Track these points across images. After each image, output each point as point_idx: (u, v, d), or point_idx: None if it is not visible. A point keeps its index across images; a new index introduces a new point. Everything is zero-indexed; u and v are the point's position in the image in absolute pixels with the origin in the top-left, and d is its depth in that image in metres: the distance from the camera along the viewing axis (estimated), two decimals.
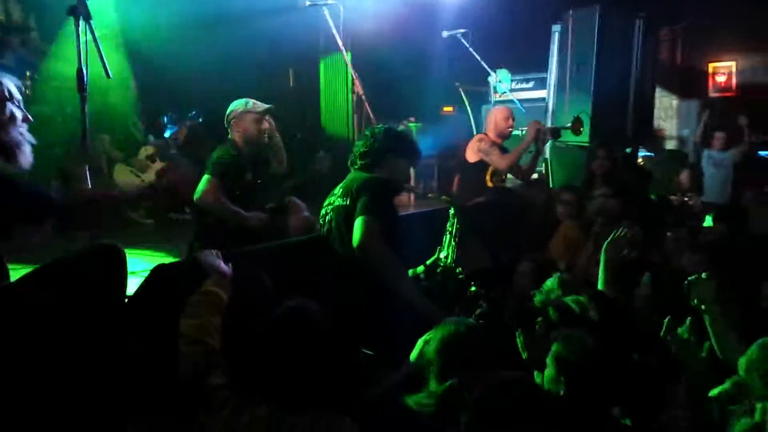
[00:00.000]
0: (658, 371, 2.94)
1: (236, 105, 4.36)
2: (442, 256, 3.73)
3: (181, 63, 6.49)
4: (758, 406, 2.31)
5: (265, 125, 4.43)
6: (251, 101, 4.36)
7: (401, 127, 6.90)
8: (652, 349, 3.14)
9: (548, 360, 2.50)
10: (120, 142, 6.01)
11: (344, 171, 3.87)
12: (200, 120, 6.25)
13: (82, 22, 3.43)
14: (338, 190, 3.67)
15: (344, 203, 3.53)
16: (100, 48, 3.41)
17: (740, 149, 8.37)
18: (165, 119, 7.00)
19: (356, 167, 3.74)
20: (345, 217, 3.49)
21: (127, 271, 2.62)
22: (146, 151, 6.09)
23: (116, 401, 2.48)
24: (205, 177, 4.12)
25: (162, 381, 2.48)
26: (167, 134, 6.71)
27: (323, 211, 3.73)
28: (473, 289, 3.67)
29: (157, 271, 2.94)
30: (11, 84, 2.57)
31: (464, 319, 2.81)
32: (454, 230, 3.80)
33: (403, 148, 3.77)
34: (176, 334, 2.42)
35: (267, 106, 4.38)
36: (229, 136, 4.36)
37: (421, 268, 3.66)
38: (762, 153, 8.71)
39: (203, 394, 2.22)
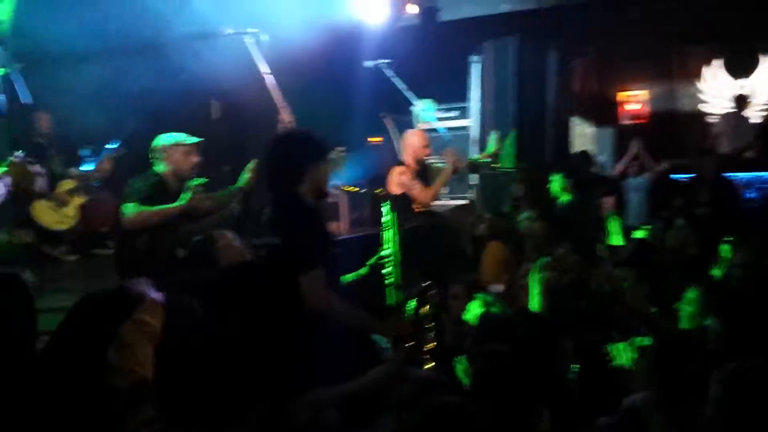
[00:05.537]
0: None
1: (164, 138, 4.33)
2: (386, 252, 3.73)
3: (98, 93, 6.33)
4: None
5: (195, 158, 4.36)
6: (181, 134, 4.34)
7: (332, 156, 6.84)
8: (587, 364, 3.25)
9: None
10: None
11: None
12: (125, 152, 6.10)
13: None
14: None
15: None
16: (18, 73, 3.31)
17: (652, 174, 8.73)
18: (85, 152, 6.79)
19: (279, 187, 3.42)
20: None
21: (33, 304, 2.52)
22: (66, 185, 5.87)
23: None
24: (130, 204, 4.01)
25: (92, 417, 2.36)
26: (85, 168, 6.50)
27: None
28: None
29: (83, 302, 2.81)
30: None
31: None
32: (393, 223, 3.75)
33: (321, 150, 3.47)
34: (104, 367, 2.32)
35: (197, 139, 4.34)
36: (154, 168, 4.29)
37: (365, 269, 3.63)
38: (673, 176, 9.09)
39: (135, 428, 2.14)
